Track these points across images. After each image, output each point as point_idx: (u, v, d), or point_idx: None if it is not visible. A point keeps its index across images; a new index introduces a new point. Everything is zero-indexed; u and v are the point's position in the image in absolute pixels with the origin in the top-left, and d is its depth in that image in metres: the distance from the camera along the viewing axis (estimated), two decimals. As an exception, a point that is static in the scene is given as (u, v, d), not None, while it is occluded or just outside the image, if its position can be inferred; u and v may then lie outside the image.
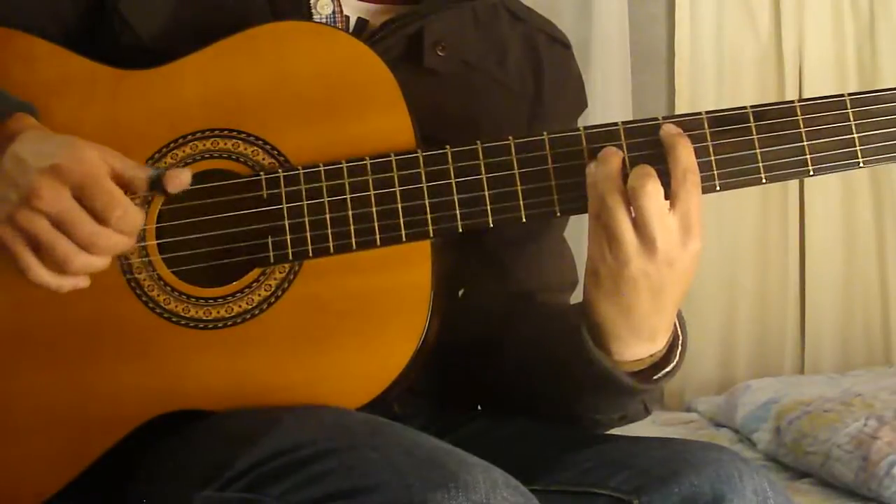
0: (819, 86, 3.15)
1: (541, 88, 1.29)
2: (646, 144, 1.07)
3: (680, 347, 1.12)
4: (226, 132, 1.11)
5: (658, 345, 1.10)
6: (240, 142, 1.11)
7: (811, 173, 1.07)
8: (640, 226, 1.03)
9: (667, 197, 1.04)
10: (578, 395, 1.15)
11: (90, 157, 1.01)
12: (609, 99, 3.05)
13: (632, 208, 1.03)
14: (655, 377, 1.11)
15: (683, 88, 3.21)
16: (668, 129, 1.06)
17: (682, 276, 1.05)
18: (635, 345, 1.08)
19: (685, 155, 1.04)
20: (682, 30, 3.21)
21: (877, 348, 3.32)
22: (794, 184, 3.22)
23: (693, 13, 3.21)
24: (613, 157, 1.05)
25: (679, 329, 1.12)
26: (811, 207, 3.25)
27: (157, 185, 1.06)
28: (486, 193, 1.08)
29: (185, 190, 1.08)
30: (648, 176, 1.03)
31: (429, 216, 1.08)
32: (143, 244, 1.09)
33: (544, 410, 1.20)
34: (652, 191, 1.02)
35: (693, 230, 1.04)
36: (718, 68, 3.22)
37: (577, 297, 1.21)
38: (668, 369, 1.11)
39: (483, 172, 1.08)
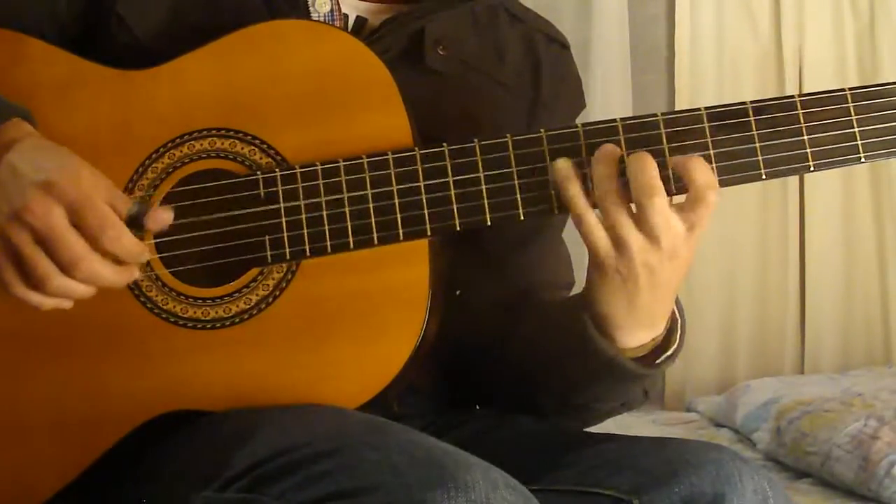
0: (819, 85, 3.09)
1: (539, 89, 1.29)
2: (644, 141, 1.06)
3: (679, 331, 1.13)
4: (223, 132, 1.11)
5: (658, 329, 1.11)
6: (237, 141, 1.11)
7: (811, 168, 1.06)
8: (643, 224, 1.03)
9: (667, 187, 1.03)
10: (580, 384, 1.16)
11: (85, 177, 1.01)
12: (609, 99, 3.06)
13: (632, 206, 1.03)
14: (657, 361, 1.12)
15: (683, 88, 3.21)
16: (677, 160, 1.04)
17: (683, 264, 1.06)
18: (637, 331, 1.10)
19: (701, 175, 1.02)
20: (682, 30, 3.22)
21: (877, 348, 3.32)
22: (794, 183, 3.22)
23: (693, 13, 3.21)
24: (611, 157, 1.05)
25: (677, 312, 1.12)
26: (811, 207, 3.25)
27: (136, 221, 1.03)
28: (484, 191, 1.08)
29: (184, 190, 1.08)
30: (650, 175, 1.02)
31: (426, 215, 1.07)
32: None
33: (544, 403, 1.20)
34: (658, 201, 1.02)
35: (697, 229, 1.04)
36: (718, 68, 3.22)
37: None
38: (668, 353, 1.12)
39: (481, 170, 1.08)
